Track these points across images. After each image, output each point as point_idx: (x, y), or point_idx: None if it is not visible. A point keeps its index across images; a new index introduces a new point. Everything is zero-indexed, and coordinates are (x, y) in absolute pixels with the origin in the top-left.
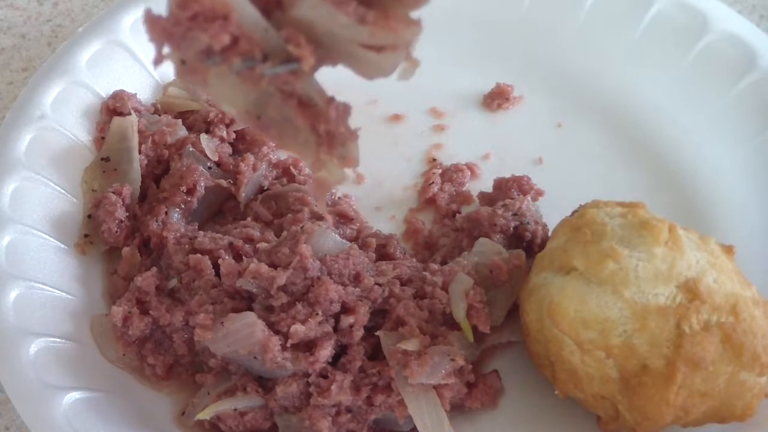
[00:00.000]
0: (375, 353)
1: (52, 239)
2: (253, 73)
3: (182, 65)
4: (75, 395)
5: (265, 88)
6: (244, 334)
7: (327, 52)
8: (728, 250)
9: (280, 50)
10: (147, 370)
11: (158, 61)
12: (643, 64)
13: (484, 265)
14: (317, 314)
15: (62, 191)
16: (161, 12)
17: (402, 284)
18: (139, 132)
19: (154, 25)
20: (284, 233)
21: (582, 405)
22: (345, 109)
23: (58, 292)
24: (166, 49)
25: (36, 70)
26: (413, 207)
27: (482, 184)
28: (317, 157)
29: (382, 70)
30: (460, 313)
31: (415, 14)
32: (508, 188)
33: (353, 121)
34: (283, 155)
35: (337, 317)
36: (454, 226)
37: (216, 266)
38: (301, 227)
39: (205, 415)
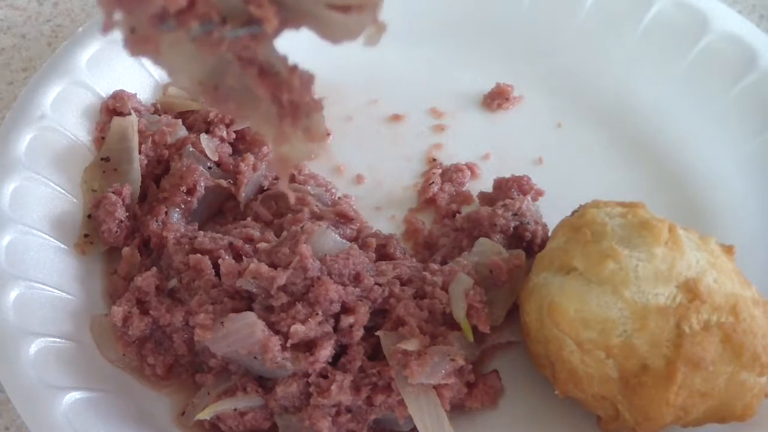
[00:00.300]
0: (375, 353)
1: (52, 239)
2: (211, 38)
3: (132, 34)
4: (75, 395)
5: (223, 55)
6: (244, 334)
7: (290, 13)
8: (728, 250)
9: (240, 12)
10: (147, 370)
11: (107, 27)
12: (643, 64)
13: (484, 265)
14: (317, 314)
15: (62, 191)
16: None
17: (402, 284)
18: (139, 132)
19: None
20: (284, 233)
21: (582, 405)
22: (309, 78)
23: (58, 292)
24: (117, 15)
25: (36, 70)
26: (413, 207)
27: (482, 184)
28: (280, 129)
29: (348, 32)
30: (460, 313)
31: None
32: (508, 188)
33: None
34: None
35: (337, 317)
36: (454, 226)
37: (216, 266)
38: (301, 227)
39: (205, 415)
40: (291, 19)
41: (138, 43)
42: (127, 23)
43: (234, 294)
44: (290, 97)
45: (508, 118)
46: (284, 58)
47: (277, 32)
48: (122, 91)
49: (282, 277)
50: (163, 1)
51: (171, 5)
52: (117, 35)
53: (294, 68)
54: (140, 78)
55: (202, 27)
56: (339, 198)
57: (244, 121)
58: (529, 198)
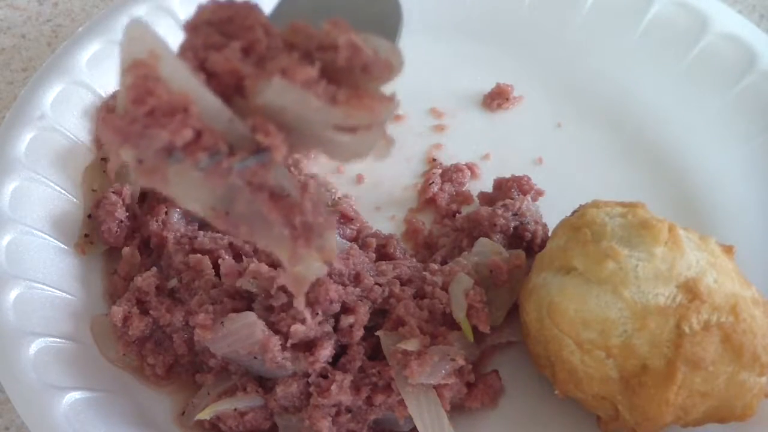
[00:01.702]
0: (375, 353)
1: (52, 239)
2: (220, 168)
3: (139, 165)
4: (75, 395)
5: (232, 182)
6: (244, 334)
7: (298, 138)
8: (728, 250)
9: (247, 141)
10: (147, 370)
11: (114, 166)
12: (643, 64)
13: (484, 265)
14: (317, 314)
15: (62, 191)
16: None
17: (402, 284)
18: None
19: (108, 124)
20: None
21: (582, 405)
22: (321, 197)
23: (58, 292)
24: (125, 151)
25: (36, 70)
26: (413, 207)
27: (482, 184)
28: (294, 251)
29: (357, 152)
30: (460, 313)
31: (387, 89)
32: (508, 188)
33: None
34: None
35: (337, 317)
36: (454, 226)
37: (216, 266)
38: None
39: (205, 415)
40: (299, 143)
41: (146, 174)
42: (134, 155)
43: (234, 294)
44: (302, 219)
45: (508, 118)
46: (294, 179)
47: (286, 158)
48: None
49: (282, 277)
50: (168, 135)
51: (177, 139)
52: (116, 35)
53: (305, 188)
54: None
55: (210, 158)
56: (339, 198)
57: (257, 243)
58: (529, 198)
